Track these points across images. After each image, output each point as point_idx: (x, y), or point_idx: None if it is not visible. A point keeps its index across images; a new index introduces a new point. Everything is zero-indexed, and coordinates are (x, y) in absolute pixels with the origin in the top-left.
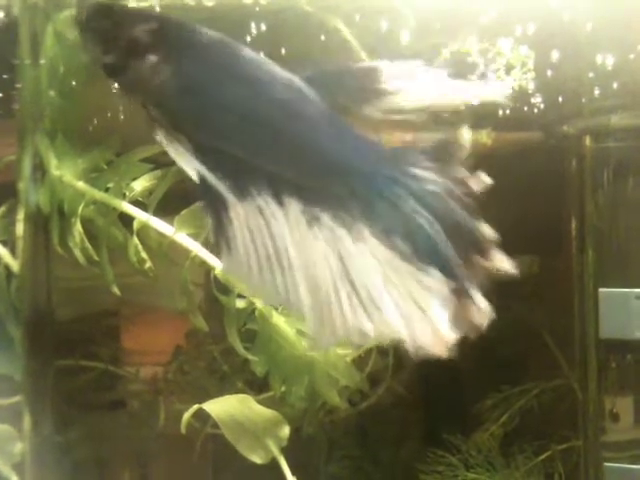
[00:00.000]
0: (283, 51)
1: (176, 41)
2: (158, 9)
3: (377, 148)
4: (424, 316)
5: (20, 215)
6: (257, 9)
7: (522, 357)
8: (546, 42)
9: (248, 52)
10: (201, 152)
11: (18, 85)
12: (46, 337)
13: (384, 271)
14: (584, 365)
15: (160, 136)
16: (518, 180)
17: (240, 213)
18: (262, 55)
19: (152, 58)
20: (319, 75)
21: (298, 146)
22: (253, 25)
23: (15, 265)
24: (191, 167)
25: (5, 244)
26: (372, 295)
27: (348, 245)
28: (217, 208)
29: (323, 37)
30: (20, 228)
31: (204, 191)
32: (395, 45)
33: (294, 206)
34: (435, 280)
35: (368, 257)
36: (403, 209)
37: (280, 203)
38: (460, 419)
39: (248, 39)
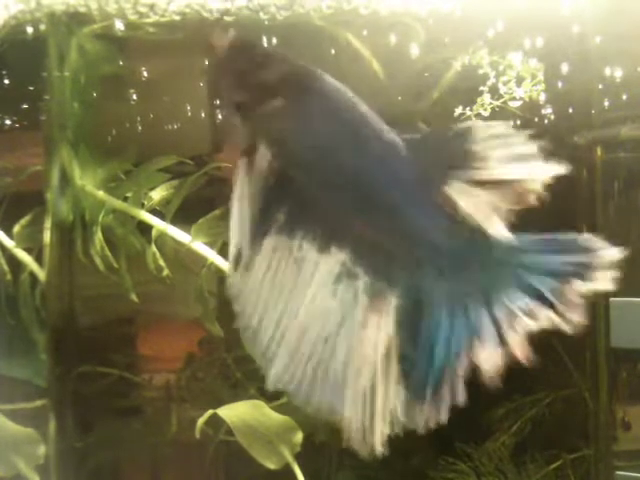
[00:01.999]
0: None
1: (302, 87)
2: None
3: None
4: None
5: (47, 224)
6: (268, 23)
7: (533, 366)
8: (556, 54)
9: (360, 105)
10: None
11: (46, 97)
12: (69, 343)
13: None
14: (595, 374)
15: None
16: None
17: (272, 244)
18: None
19: (279, 101)
20: (417, 140)
21: (375, 205)
22: (265, 39)
23: (40, 272)
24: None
25: (30, 252)
26: (336, 372)
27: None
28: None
29: (334, 51)
30: (47, 236)
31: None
32: (405, 59)
33: (337, 256)
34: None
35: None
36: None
37: (324, 249)
38: (472, 427)
39: None
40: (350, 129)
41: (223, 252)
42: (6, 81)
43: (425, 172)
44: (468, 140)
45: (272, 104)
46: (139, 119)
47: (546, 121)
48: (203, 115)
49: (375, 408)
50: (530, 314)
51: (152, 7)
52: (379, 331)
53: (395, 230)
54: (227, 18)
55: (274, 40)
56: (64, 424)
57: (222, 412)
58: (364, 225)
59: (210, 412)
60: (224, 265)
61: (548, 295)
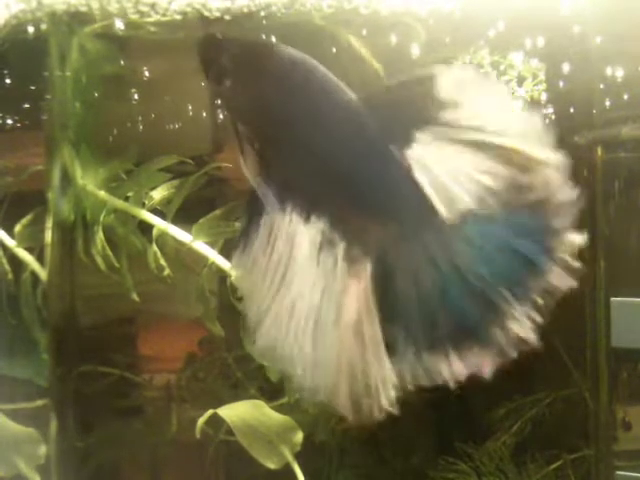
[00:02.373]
0: None
1: (255, 64)
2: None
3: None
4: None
5: (48, 223)
6: (269, 22)
7: (534, 366)
8: (557, 55)
9: (320, 74)
10: (265, 163)
11: (47, 96)
12: (71, 343)
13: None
14: (596, 374)
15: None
16: None
17: (269, 222)
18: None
19: (233, 81)
20: (376, 96)
21: (346, 176)
22: (264, 37)
23: (42, 272)
24: (253, 173)
25: (31, 251)
26: (325, 335)
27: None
28: (254, 211)
29: (335, 50)
30: (48, 236)
31: (252, 195)
32: (406, 58)
33: (317, 225)
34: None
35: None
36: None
37: (307, 220)
38: (472, 427)
39: None
40: (309, 102)
41: (223, 252)
42: (7, 80)
43: (391, 132)
44: (433, 88)
45: (224, 85)
46: (140, 119)
47: (547, 121)
48: (204, 115)
49: (369, 373)
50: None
51: (153, 6)
52: (359, 295)
53: (363, 197)
54: (227, 17)
55: (273, 39)
56: (65, 424)
57: (222, 412)
58: (336, 193)
59: (210, 412)
60: (225, 264)
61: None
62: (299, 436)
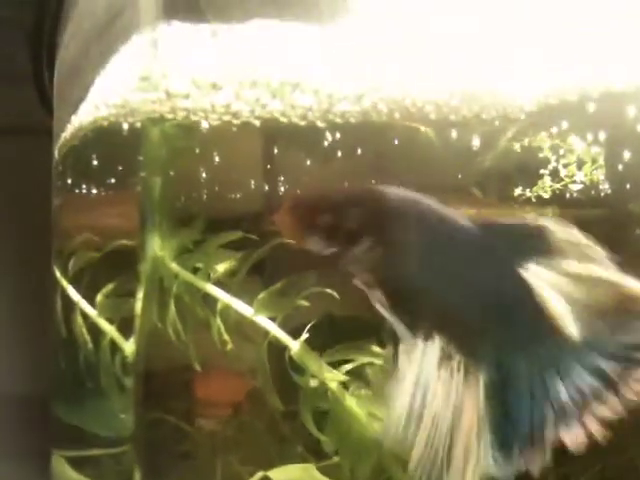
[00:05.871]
0: None
1: (379, 217)
2: None
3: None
4: None
5: (139, 294)
6: None
7: None
8: (617, 144)
9: (432, 203)
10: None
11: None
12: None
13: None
14: None
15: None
16: None
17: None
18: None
19: (366, 240)
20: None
21: (471, 290)
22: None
23: (122, 341)
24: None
25: (111, 321)
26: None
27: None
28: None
29: None
30: (138, 306)
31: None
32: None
33: (437, 342)
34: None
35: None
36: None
37: (427, 338)
38: None
39: None
40: (439, 236)
41: (282, 325)
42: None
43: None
44: (542, 240)
45: (363, 247)
46: (205, 191)
47: (602, 194)
48: (267, 188)
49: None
50: (598, 396)
51: (235, 115)
52: (473, 406)
53: (484, 311)
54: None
55: None
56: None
57: (273, 475)
58: (459, 312)
59: (261, 474)
60: (284, 337)
61: (613, 377)
62: None
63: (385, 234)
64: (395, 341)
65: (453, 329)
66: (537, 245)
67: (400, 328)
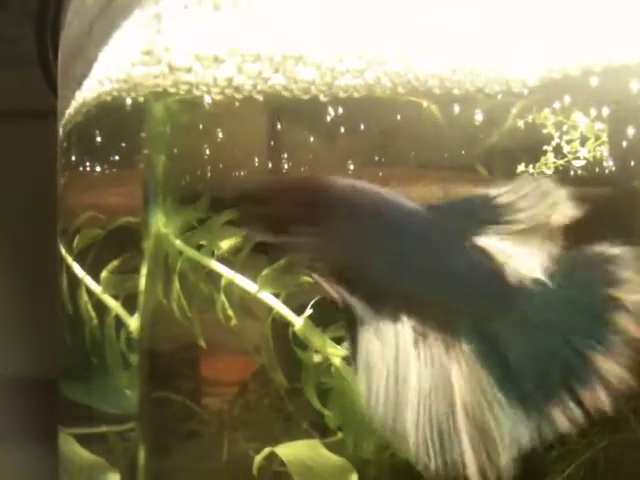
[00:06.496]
0: None
1: (323, 205)
2: None
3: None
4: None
5: (143, 271)
6: None
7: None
8: (621, 119)
9: (382, 194)
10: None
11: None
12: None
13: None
14: None
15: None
16: None
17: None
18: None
19: (310, 229)
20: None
21: (429, 274)
22: None
23: (127, 318)
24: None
25: (116, 297)
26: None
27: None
28: (353, 327)
29: None
30: (142, 283)
31: (345, 312)
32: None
33: (407, 323)
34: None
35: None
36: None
37: (395, 320)
38: (524, 470)
39: None
40: (388, 220)
41: (286, 302)
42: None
43: (457, 230)
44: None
45: (308, 235)
46: (209, 168)
47: (607, 171)
48: (270, 166)
49: (489, 440)
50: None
51: (237, 89)
52: (464, 375)
53: (446, 287)
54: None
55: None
56: (145, 450)
57: (279, 450)
58: (424, 292)
59: (268, 450)
60: (288, 313)
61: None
62: (354, 478)
63: (330, 222)
64: (353, 323)
65: (422, 309)
66: (486, 215)
67: (363, 311)
